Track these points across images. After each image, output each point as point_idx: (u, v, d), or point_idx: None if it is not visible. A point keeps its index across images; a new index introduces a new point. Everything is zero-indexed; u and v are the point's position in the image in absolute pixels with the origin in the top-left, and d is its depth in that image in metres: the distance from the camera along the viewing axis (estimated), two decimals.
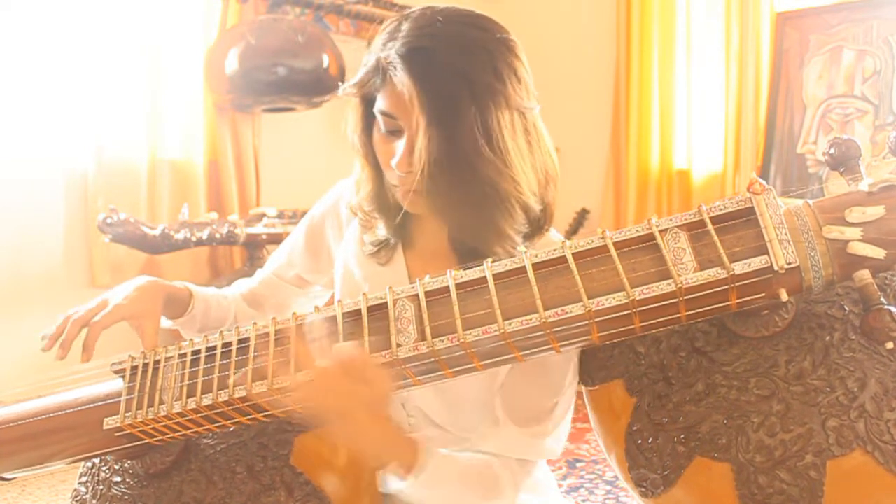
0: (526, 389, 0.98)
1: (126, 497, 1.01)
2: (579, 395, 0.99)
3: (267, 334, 0.86)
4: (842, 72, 3.28)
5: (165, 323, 1.14)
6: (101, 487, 1.04)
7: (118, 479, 1.03)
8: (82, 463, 1.07)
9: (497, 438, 0.98)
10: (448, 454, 0.92)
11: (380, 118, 0.94)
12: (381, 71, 0.92)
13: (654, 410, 0.85)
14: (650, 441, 0.85)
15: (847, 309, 0.80)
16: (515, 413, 0.98)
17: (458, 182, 0.89)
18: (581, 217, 3.95)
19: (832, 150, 0.75)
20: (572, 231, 3.92)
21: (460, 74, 0.87)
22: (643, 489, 0.86)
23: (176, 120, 3.11)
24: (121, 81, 2.94)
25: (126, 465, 1.03)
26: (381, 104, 0.93)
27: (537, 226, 0.99)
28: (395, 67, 0.89)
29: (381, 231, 1.06)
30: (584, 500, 2.36)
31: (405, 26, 0.92)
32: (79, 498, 1.06)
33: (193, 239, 2.75)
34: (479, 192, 0.90)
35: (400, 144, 0.92)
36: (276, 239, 2.84)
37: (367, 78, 0.95)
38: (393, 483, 0.89)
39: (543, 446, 0.99)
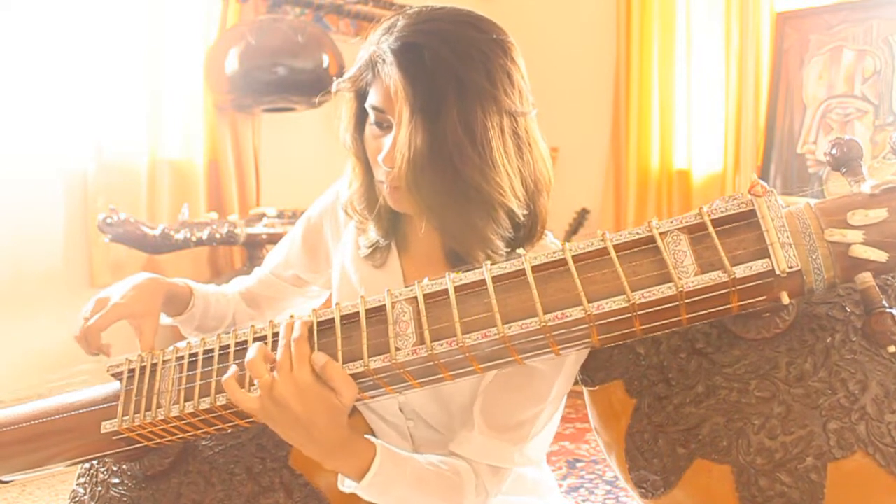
0: (504, 398, 0.97)
1: (124, 499, 1.01)
2: (580, 394, 0.99)
3: (265, 337, 0.86)
4: (842, 72, 3.28)
5: (165, 320, 1.14)
6: (100, 489, 1.04)
7: (116, 480, 1.03)
8: (80, 464, 1.07)
9: (469, 443, 0.97)
10: (409, 457, 0.92)
11: (371, 113, 0.94)
12: (373, 65, 0.93)
13: (654, 412, 0.85)
14: (650, 442, 0.85)
15: (848, 310, 0.79)
16: (491, 420, 0.97)
17: (439, 180, 0.88)
18: (581, 217, 3.94)
19: (834, 151, 0.74)
20: (572, 231, 3.91)
21: (450, 72, 0.87)
22: (643, 490, 0.86)
23: (176, 120, 3.11)
24: (121, 81, 2.94)
25: (124, 466, 1.02)
26: (372, 98, 0.93)
27: (525, 233, 0.98)
28: (384, 61, 0.89)
29: (373, 233, 1.05)
30: (584, 500, 2.36)
31: (401, 22, 0.91)
32: (77, 499, 1.06)
33: (193, 239, 2.75)
34: (461, 193, 0.89)
35: (387, 139, 0.92)
36: (276, 239, 2.83)
37: (360, 72, 0.95)
38: (348, 484, 0.88)
39: (516, 454, 0.98)
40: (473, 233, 0.92)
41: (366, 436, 0.89)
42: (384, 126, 0.93)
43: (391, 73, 0.88)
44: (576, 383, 0.98)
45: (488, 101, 0.88)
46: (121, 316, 1.02)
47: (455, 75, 0.87)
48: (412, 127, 0.87)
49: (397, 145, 0.89)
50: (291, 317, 0.84)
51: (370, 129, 0.95)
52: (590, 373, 0.93)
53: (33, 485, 2.47)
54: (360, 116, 0.98)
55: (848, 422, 0.75)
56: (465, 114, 0.87)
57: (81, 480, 1.07)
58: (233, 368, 0.82)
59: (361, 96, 0.97)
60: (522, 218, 0.94)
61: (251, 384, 0.82)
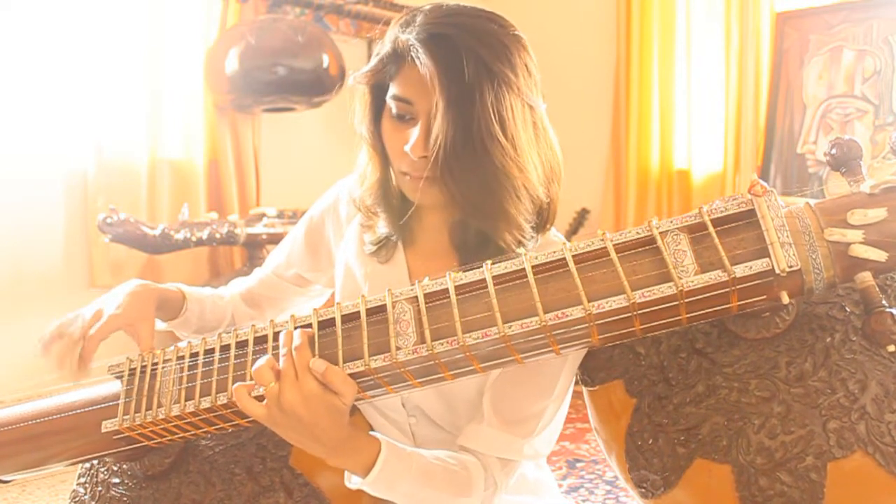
0: (514, 390, 0.98)
1: (124, 498, 1.01)
2: (580, 394, 0.99)
3: (266, 337, 0.86)
4: (842, 72, 3.28)
5: (160, 325, 1.14)
6: (100, 489, 1.04)
7: (116, 480, 1.03)
8: (80, 464, 1.07)
9: (478, 436, 0.98)
10: (414, 451, 0.92)
11: (393, 105, 0.95)
12: (398, 57, 0.94)
13: (654, 412, 0.85)
14: (650, 442, 0.85)
15: (848, 310, 0.79)
16: (501, 412, 0.98)
17: (471, 167, 0.90)
18: (581, 217, 3.95)
19: (834, 151, 0.74)
20: (572, 231, 3.92)
21: (480, 62, 0.89)
22: (643, 490, 0.86)
23: (176, 120, 3.11)
24: (121, 81, 2.94)
25: (124, 466, 1.02)
26: (395, 90, 0.94)
27: (542, 219, 1.00)
28: (416, 50, 0.91)
29: (382, 228, 1.06)
30: (584, 500, 2.36)
31: (420, 18, 0.93)
32: (77, 499, 1.06)
33: (193, 239, 2.75)
34: (491, 178, 0.91)
35: (414, 131, 0.93)
36: (276, 239, 2.83)
37: (381, 65, 0.96)
38: (354, 480, 0.89)
39: (526, 447, 0.98)
40: (504, 217, 0.94)
41: (371, 432, 0.89)
42: (407, 118, 0.94)
43: (424, 63, 0.90)
44: (576, 383, 0.98)
45: (514, 91, 0.91)
46: (118, 326, 1.02)
47: (486, 65, 0.89)
48: (449, 116, 0.88)
49: (433, 134, 0.90)
50: (292, 317, 0.84)
51: (391, 121, 0.96)
52: (590, 372, 0.93)
53: (33, 484, 2.47)
54: (377, 109, 0.99)
55: (848, 421, 0.75)
56: (497, 103, 0.89)
57: (82, 480, 1.07)
58: (249, 383, 0.82)
59: (377, 89, 0.98)
60: (545, 204, 0.98)
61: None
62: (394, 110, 0.95)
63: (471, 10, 0.94)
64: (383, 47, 0.97)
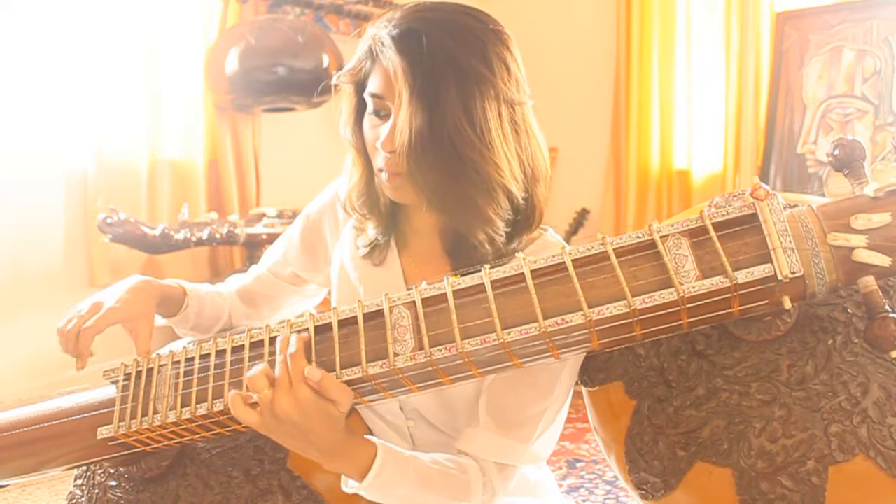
0: (510, 394, 0.97)
1: (121, 502, 1.01)
2: (580, 395, 0.98)
3: (261, 342, 0.85)
4: (842, 72, 3.28)
5: (159, 321, 1.13)
6: (97, 491, 1.03)
7: (113, 483, 1.02)
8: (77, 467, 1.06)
9: (475, 441, 0.97)
10: (412, 455, 0.91)
11: (370, 102, 0.95)
12: (372, 53, 0.94)
13: (654, 414, 0.85)
14: (650, 444, 0.84)
15: (850, 311, 0.79)
16: (497, 417, 0.97)
17: (439, 161, 0.89)
18: (581, 217, 3.94)
19: (837, 152, 0.74)
20: (572, 231, 3.91)
21: (448, 56, 0.89)
22: (643, 492, 0.86)
23: (176, 120, 3.10)
24: (121, 81, 2.94)
25: (121, 469, 1.02)
26: (371, 86, 0.94)
27: (524, 218, 0.98)
28: (383, 45, 0.91)
29: (372, 231, 1.05)
30: (584, 500, 2.35)
31: (399, 13, 0.94)
32: (74, 501, 1.05)
33: (193, 239, 2.75)
34: (461, 173, 0.90)
35: (386, 126, 0.93)
36: (276, 239, 2.83)
37: (360, 63, 0.97)
38: (351, 485, 0.88)
39: (524, 451, 0.98)
40: (475, 212, 0.93)
41: (367, 436, 0.89)
42: (382, 115, 0.94)
43: (390, 57, 0.90)
44: (576, 383, 0.98)
45: (486, 87, 0.90)
46: (117, 319, 1.01)
47: (453, 59, 0.88)
48: (412, 109, 0.88)
49: (397, 127, 0.90)
50: (288, 322, 0.83)
51: (369, 118, 0.96)
52: (590, 373, 0.93)
53: (33, 485, 2.47)
54: (360, 109, 0.99)
55: (849, 425, 0.75)
56: (464, 97, 0.88)
57: (78, 482, 1.07)
58: (245, 393, 0.82)
59: (361, 88, 0.98)
60: (521, 201, 0.95)
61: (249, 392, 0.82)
62: (370, 107, 0.95)
63: (450, 6, 0.94)
64: (363, 44, 0.97)
